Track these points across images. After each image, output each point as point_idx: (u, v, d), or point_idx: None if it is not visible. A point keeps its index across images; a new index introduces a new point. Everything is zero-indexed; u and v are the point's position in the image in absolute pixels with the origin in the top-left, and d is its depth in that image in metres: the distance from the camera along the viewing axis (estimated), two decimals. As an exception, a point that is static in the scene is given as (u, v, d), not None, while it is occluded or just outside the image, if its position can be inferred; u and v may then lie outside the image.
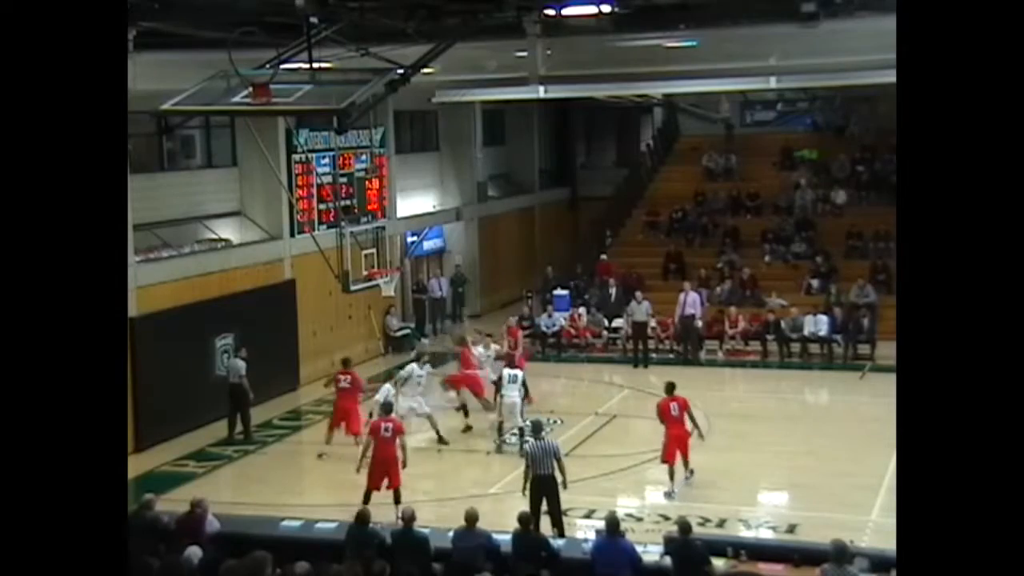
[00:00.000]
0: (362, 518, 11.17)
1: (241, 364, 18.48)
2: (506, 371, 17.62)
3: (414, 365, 18.00)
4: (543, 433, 13.93)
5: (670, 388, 15.45)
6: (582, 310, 25.91)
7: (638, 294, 24.13)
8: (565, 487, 13.33)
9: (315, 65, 12.26)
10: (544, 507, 13.14)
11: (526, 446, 14.18)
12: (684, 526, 10.81)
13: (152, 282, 18.63)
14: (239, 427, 18.45)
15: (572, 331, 25.37)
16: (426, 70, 14.60)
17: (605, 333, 25.24)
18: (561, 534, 12.82)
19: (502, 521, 12.11)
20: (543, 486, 13.23)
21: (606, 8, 16.18)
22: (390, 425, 14.41)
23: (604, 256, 28.79)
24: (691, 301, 23.71)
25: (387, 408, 15.18)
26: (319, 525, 12.16)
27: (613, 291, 26.48)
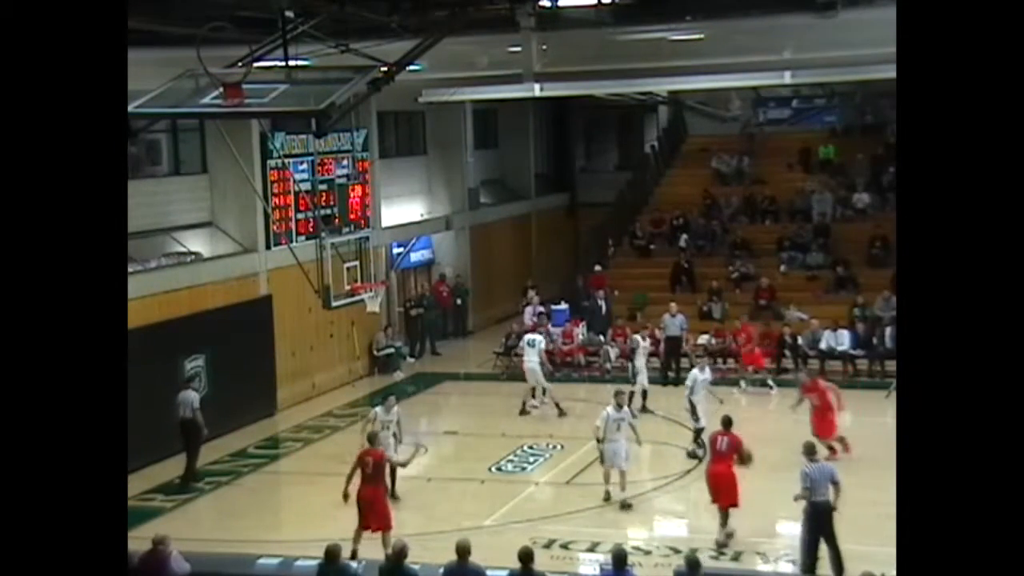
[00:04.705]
0: (331, 554, 11.08)
1: (193, 396, 17.96)
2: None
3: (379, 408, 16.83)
4: (817, 456, 13.70)
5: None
6: (580, 328, 25.83)
7: (672, 306, 24.17)
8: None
9: (291, 63, 12.25)
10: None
11: (805, 468, 13.36)
12: (692, 561, 10.72)
13: (116, 299, 18.56)
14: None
15: (564, 349, 25.30)
16: (412, 67, 14.59)
17: (600, 351, 25.15)
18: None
19: (499, 557, 12.02)
20: (822, 514, 13.01)
21: (606, -2, 16.22)
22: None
23: (599, 267, 28.74)
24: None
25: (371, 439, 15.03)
26: (298, 563, 12.12)
27: (603, 304, 26.43)
